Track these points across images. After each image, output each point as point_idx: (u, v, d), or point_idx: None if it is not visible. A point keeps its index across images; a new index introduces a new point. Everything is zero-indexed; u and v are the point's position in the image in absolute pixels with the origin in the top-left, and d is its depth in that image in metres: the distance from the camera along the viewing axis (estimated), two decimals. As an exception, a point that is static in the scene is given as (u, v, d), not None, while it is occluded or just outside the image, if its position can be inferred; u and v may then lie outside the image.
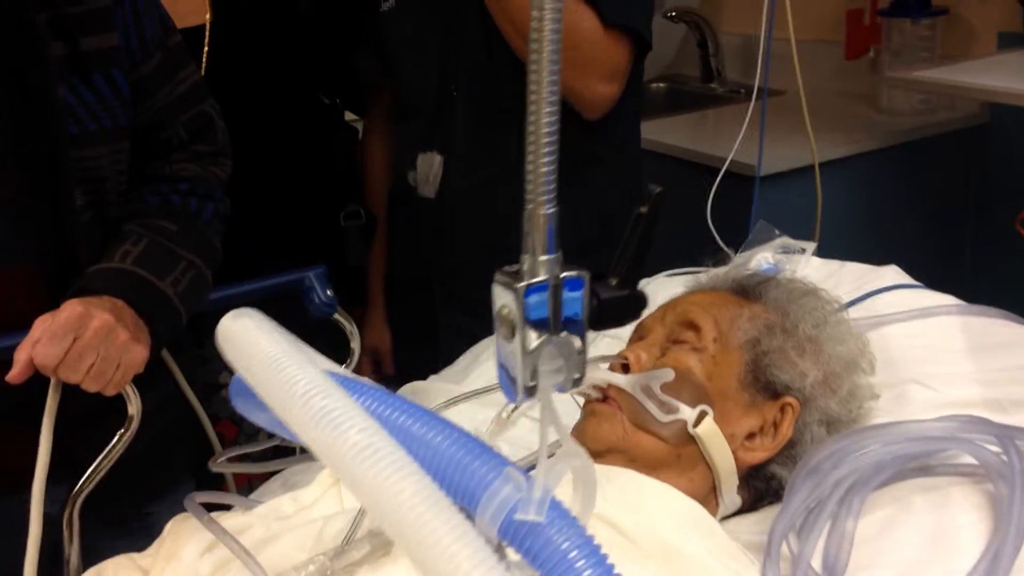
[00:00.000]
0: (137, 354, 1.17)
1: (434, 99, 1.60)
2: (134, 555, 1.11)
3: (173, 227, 1.30)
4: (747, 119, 1.89)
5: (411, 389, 1.47)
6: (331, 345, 1.59)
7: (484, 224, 1.61)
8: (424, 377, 1.50)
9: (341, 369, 0.74)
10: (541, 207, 0.46)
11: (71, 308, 1.13)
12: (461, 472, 0.48)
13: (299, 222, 1.78)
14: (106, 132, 1.24)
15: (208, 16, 1.61)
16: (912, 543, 0.96)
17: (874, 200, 2.36)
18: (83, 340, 1.11)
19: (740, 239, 1.58)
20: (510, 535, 0.47)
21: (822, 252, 1.77)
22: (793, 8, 1.80)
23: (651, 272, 1.60)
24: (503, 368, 0.49)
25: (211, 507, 1.13)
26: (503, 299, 0.48)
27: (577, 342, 0.49)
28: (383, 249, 1.85)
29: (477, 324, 1.67)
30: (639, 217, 0.61)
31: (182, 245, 1.29)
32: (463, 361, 1.52)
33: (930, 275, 1.45)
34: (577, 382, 0.50)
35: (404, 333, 1.85)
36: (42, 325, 1.12)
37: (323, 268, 1.56)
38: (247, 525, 1.07)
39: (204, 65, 1.60)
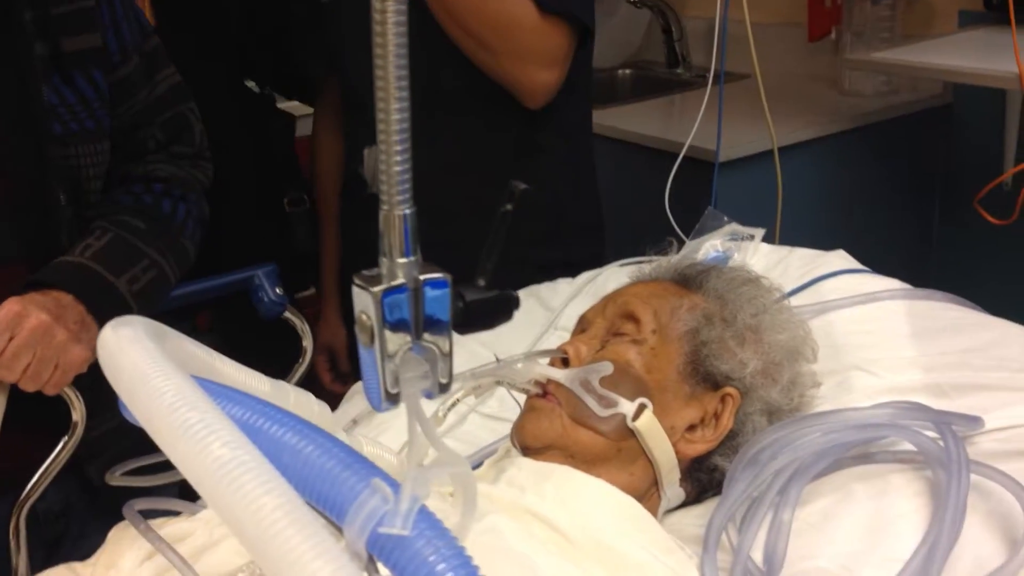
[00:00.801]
0: (76, 355, 1.16)
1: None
2: (75, 564, 1.10)
3: (141, 225, 1.29)
4: (704, 103, 1.88)
5: (361, 387, 1.45)
6: (286, 343, 1.57)
7: (428, 214, 1.58)
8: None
9: (254, 379, 0.72)
10: (397, 208, 0.44)
11: (8, 307, 1.12)
12: (330, 484, 0.47)
13: (245, 213, 1.76)
14: (87, 133, 1.24)
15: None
16: (852, 532, 0.95)
17: (836, 184, 2.35)
18: (18, 340, 1.11)
19: (701, 226, 1.57)
20: (378, 549, 0.45)
21: (784, 238, 1.76)
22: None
23: (606, 261, 1.58)
24: (367, 376, 0.48)
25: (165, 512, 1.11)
26: (361, 304, 0.46)
27: (444, 346, 0.48)
28: (335, 245, 1.82)
29: None
30: (505, 215, 0.59)
31: (148, 243, 1.28)
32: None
33: (895, 257, 1.45)
34: (445, 387, 0.48)
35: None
36: None
37: (272, 266, 1.54)
38: (189, 531, 1.06)
39: None
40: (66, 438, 1.25)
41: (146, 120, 1.32)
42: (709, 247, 1.38)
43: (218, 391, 0.54)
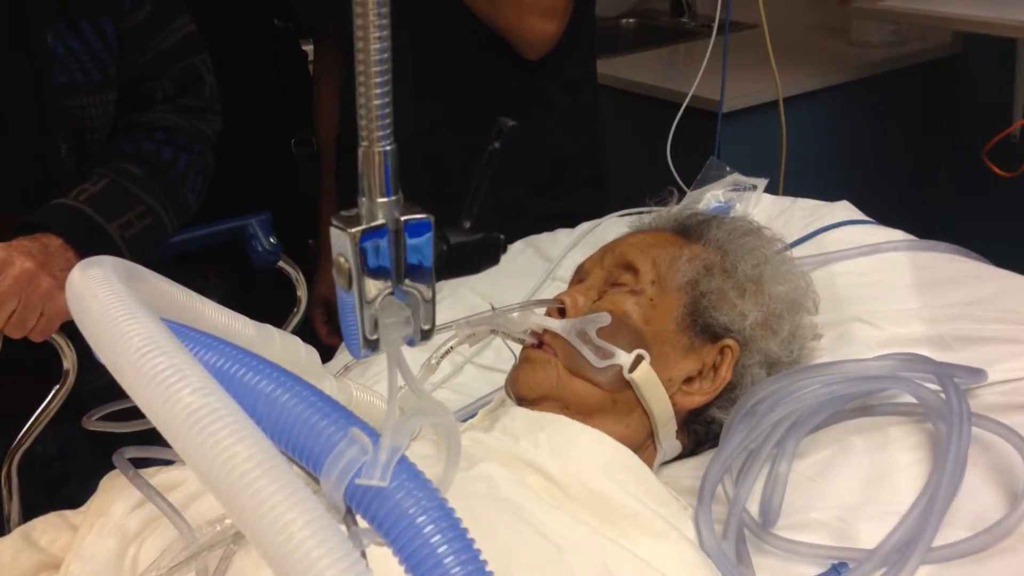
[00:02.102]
0: (61, 302, 1.15)
1: None
2: (66, 512, 1.09)
3: (139, 172, 1.26)
4: (708, 53, 1.84)
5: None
6: (283, 292, 1.56)
7: (429, 167, 1.57)
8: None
9: (238, 322, 0.70)
10: (376, 144, 0.42)
11: None
12: (307, 433, 0.45)
13: (251, 150, 1.73)
14: (93, 83, 1.21)
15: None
16: (850, 484, 0.94)
17: (843, 134, 2.31)
18: (1, 288, 1.09)
19: (703, 177, 1.54)
20: (356, 501, 0.44)
21: (788, 190, 1.73)
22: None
23: (606, 212, 1.56)
24: (346, 322, 0.46)
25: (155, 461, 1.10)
26: (339, 246, 0.44)
27: (426, 290, 0.46)
28: (333, 191, 1.80)
29: None
30: (492, 153, 0.57)
31: (145, 190, 1.25)
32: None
33: (901, 209, 1.42)
34: (427, 334, 0.46)
35: None
36: None
37: (266, 215, 1.51)
38: (180, 480, 1.05)
39: None
40: (57, 386, 1.24)
41: (155, 71, 1.29)
42: (710, 197, 1.35)
43: (190, 336, 0.52)
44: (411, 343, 0.46)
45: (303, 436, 0.45)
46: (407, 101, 1.70)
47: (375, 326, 0.45)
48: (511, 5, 1.44)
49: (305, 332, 1.64)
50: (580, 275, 1.13)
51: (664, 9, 3.00)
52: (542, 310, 1.07)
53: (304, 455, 0.45)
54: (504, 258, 0.63)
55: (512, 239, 1.55)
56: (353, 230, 0.43)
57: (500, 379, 1.20)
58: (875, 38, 2.43)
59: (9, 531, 1.20)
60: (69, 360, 1.23)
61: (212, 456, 0.42)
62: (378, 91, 0.41)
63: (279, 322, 1.47)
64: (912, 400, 0.96)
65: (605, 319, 1.01)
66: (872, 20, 2.38)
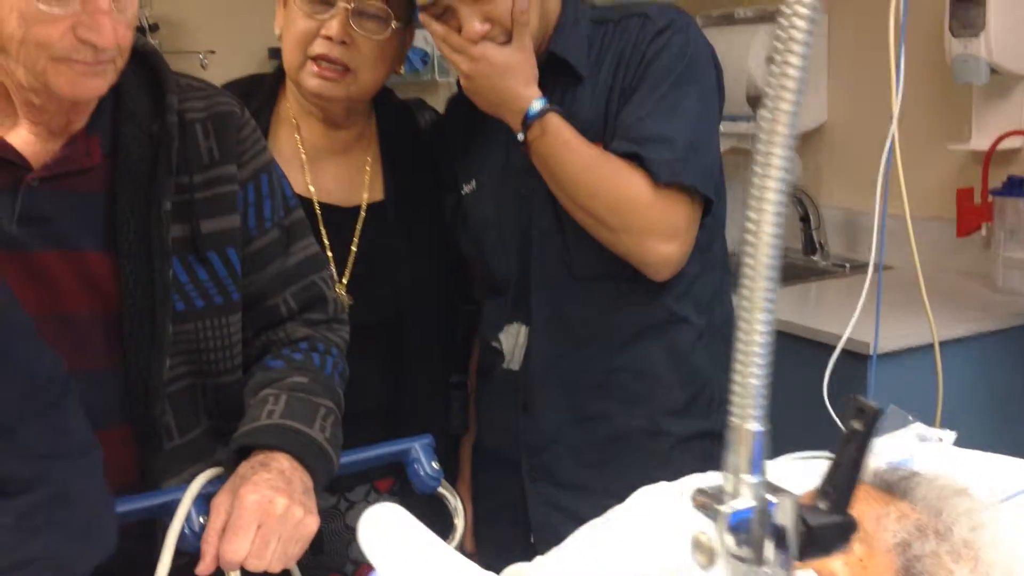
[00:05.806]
0: (311, 526, 1.17)
1: (515, 272, 1.61)
2: None
3: (303, 379, 1.30)
4: (864, 295, 1.84)
5: (516, 571, 1.39)
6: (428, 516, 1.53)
7: (568, 394, 1.60)
8: (513, 556, 1.42)
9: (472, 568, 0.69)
10: (748, 422, 0.41)
11: (251, 498, 1.12)
12: None
13: (414, 389, 1.74)
14: (214, 307, 1.26)
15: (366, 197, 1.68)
16: None
17: (997, 382, 2.25)
18: (267, 528, 1.11)
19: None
20: None
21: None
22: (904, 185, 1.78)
23: (771, 455, 1.52)
24: (701, 601, 0.44)
25: None
26: (702, 523, 0.43)
27: (781, 572, 0.44)
28: (473, 422, 1.81)
29: (567, 496, 1.60)
30: (853, 434, 0.56)
31: (316, 394, 1.29)
32: (571, 540, 1.44)
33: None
34: (783, 621, 0.44)
35: (490, 508, 1.78)
36: (223, 512, 1.12)
37: (429, 438, 1.51)
38: None
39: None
40: None
41: (277, 290, 1.34)
42: (892, 448, 1.30)
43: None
44: (763, 631, 0.44)
45: None
46: (547, 327, 1.74)
47: (732, 609, 0.43)
48: (630, 232, 1.46)
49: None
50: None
51: (796, 247, 3.05)
52: None
53: None
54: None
55: (652, 460, 1.54)
56: (724, 510, 0.42)
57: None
58: (1022, 286, 2.40)
59: None
60: None
61: None
62: (757, 371, 0.41)
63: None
64: None
65: (810, 577, 0.96)
66: (1018, 270, 2.36)
